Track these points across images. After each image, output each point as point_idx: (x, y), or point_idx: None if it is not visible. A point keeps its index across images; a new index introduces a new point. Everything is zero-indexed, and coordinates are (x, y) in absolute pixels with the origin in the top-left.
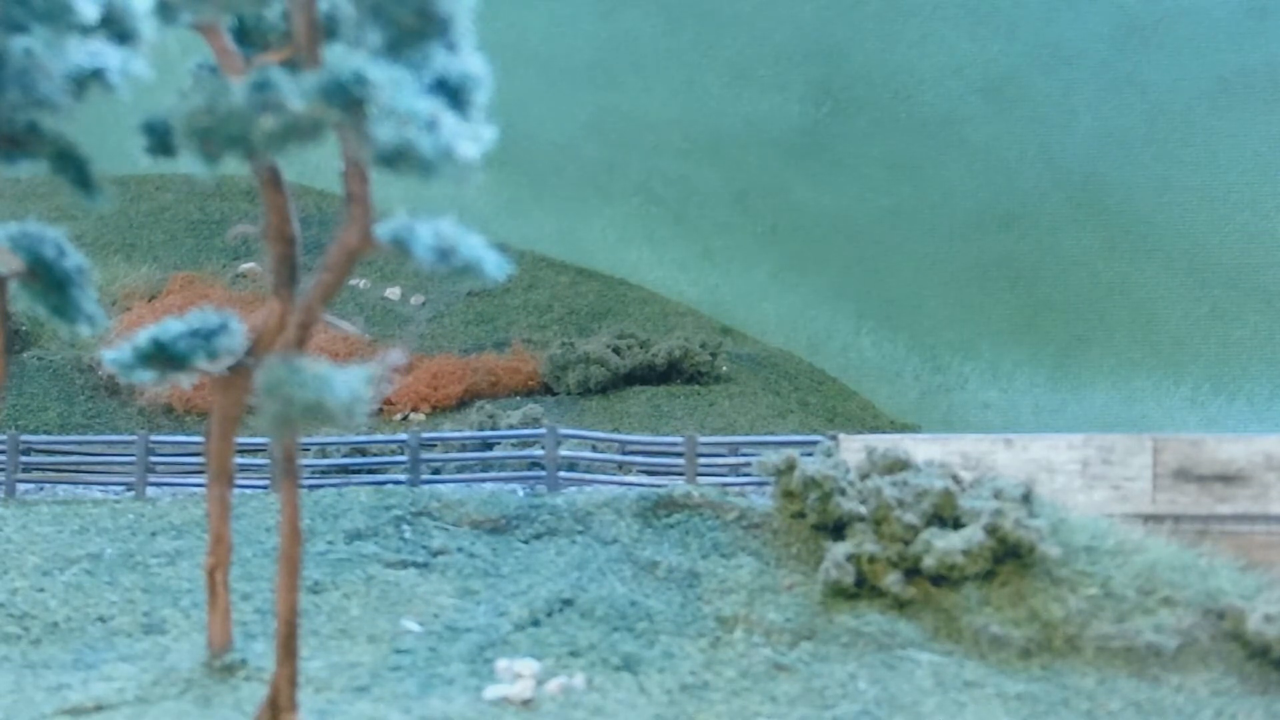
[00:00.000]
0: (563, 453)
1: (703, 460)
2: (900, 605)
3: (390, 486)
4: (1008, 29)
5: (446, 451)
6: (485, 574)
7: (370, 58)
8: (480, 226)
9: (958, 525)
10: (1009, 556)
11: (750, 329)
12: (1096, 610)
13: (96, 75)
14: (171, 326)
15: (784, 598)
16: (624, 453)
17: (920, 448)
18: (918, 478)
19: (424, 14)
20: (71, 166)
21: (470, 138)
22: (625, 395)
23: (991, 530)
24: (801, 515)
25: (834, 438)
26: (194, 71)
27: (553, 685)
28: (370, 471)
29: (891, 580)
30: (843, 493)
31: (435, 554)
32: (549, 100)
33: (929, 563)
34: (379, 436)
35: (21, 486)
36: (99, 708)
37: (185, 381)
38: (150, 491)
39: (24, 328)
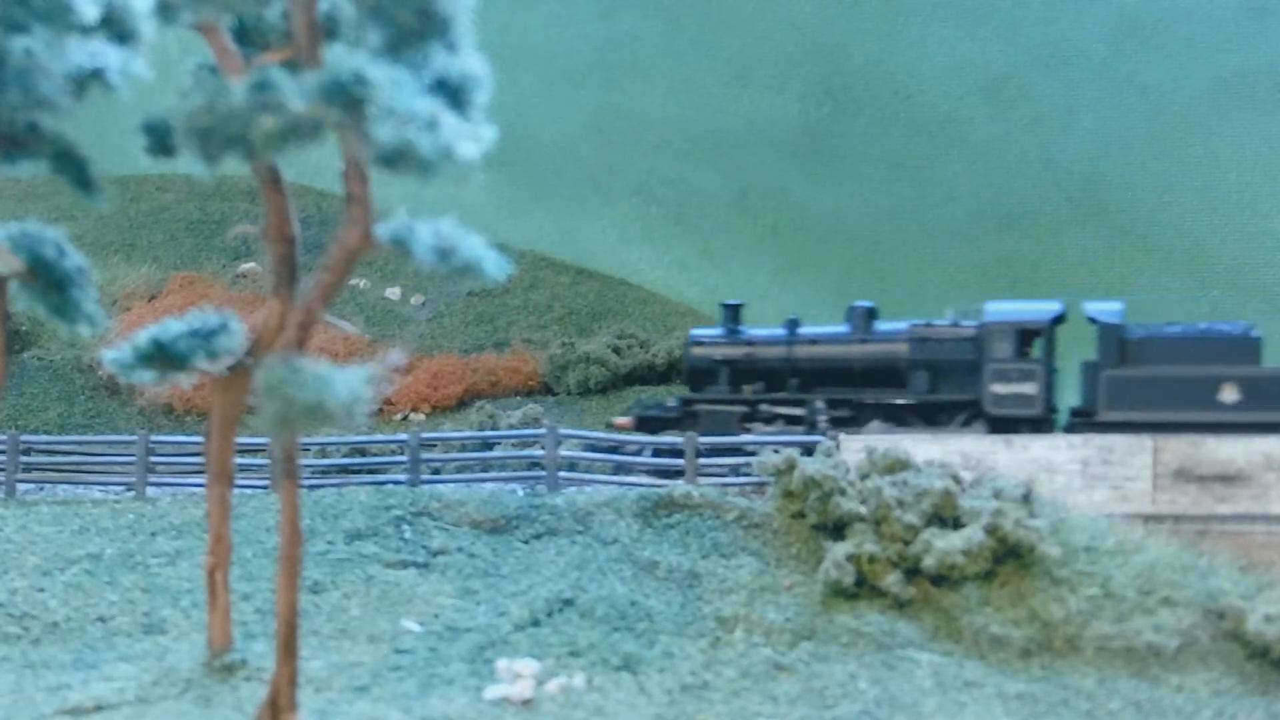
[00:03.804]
0: (563, 453)
1: (703, 460)
2: (900, 605)
3: (390, 486)
4: (1008, 29)
5: (446, 451)
6: (485, 574)
7: (370, 58)
8: (480, 226)
9: (958, 525)
10: (1009, 556)
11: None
12: (1096, 610)
13: (96, 75)
14: (171, 326)
15: (784, 598)
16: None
17: (920, 448)
18: (918, 478)
19: (424, 14)
20: (71, 166)
21: (470, 138)
22: (625, 395)
23: (991, 530)
24: (801, 515)
25: (834, 438)
26: (194, 71)
27: (553, 685)
28: (370, 471)
29: (891, 580)
30: (843, 493)
31: (435, 554)
32: (549, 100)
33: (929, 563)
34: (379, 436)
35: (21, 486)
36: (99, 708)
37: (185, 381)
38: (150, 491)
39: (24, 328)
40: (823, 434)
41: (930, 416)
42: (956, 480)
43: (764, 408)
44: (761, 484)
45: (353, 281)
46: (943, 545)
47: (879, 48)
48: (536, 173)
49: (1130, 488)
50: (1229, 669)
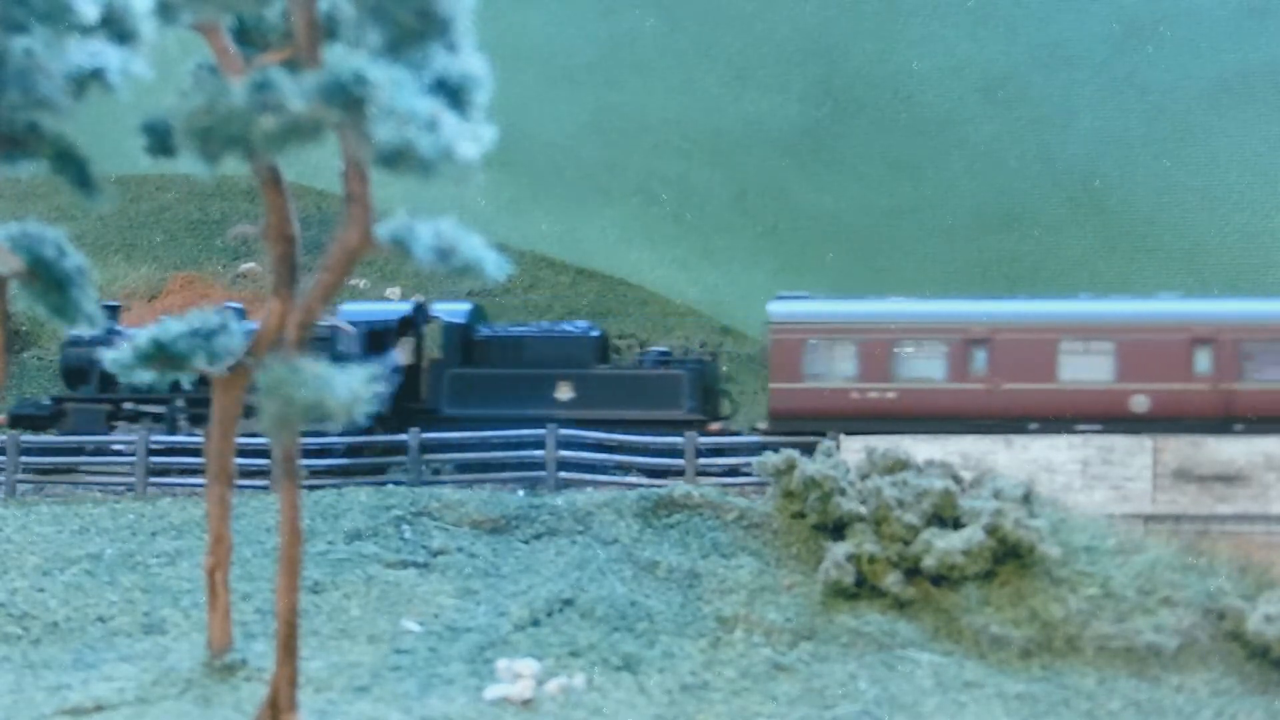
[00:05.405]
0: (563, 453)
1: (702, 460)
2: (900, 605)
3: (390, 486)
4: (1008, 29)
5: (446, 451)
6: (485, 574)
7: (370, 58)
8: (480, 226)
9: (958, 525)
10: (1009, 556)
11: (750, 329)
12: (1096, 610)
13: (96, 75)
14: (171, 326)
15: (784, 598)
16: (624, 453)
17: (920, 448)
18: (918, 478)
19: (424, 14)
20: (71, 166)
21: (470, 138)
22: None
23: (991, 530)
24: (801, 515)
25: (834, 438)
26: (194, 71)
27: (553, 685)
28: (369, 471)
29: (891, 580)
30: (843, 493)
31: (435, 554)
32: (549, 100)
33: (929, 563)
34: (379, 436)
35: (21, 486)
36: (99, 708)
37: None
38: (150, 491)
39: (24, 328)
40: (186, 433)
41: None
42: (956, 480)
43: (128, 406)
44: (761, 484)
45: (353, 281)
46: (943, 545)
47: (879, 48)
48: (536, 173)
49: (1130, 488)
50: (1229, 669)
